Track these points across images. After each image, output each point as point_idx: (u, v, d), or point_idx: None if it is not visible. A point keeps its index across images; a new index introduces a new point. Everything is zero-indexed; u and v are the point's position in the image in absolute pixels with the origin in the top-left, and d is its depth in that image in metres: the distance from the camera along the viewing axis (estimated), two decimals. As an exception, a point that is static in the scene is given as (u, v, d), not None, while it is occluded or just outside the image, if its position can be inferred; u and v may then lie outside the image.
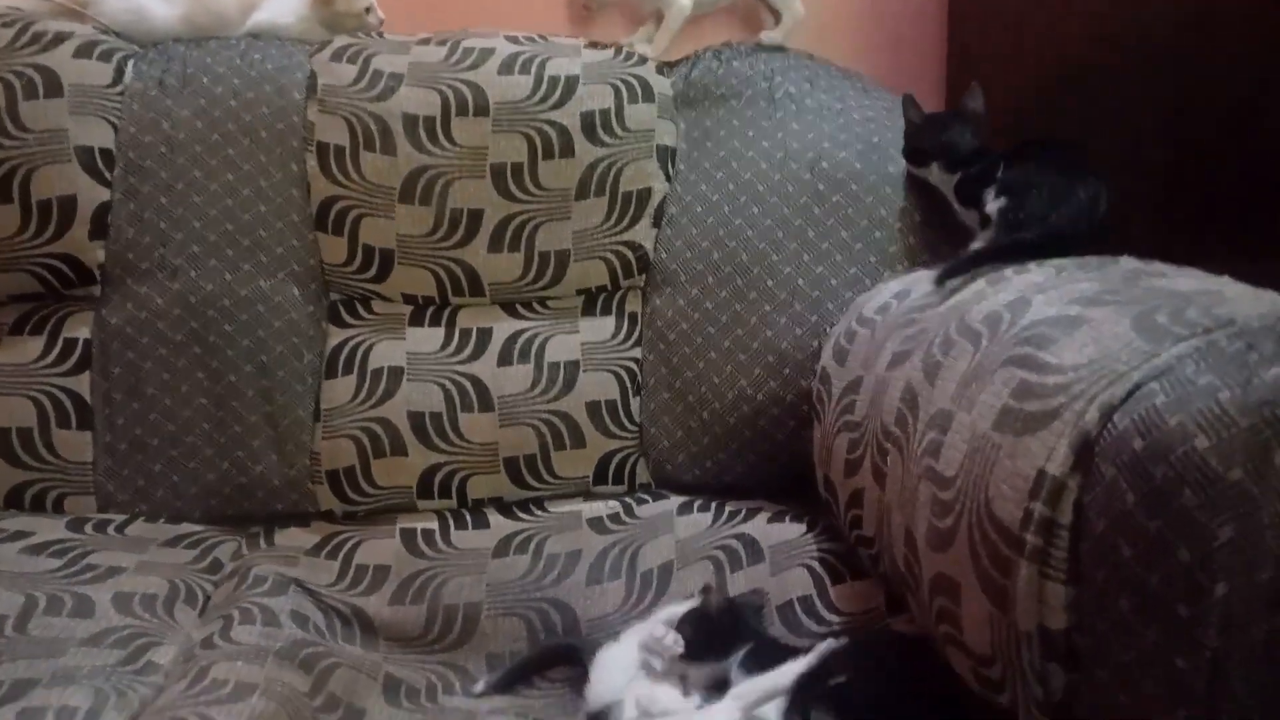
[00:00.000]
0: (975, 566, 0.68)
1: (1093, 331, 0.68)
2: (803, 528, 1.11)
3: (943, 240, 1.15)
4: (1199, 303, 0.67)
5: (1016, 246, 0.94)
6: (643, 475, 1.26)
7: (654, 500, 1.22)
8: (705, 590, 0.97)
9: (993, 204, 0.98)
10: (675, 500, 1.21)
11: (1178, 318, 0.65)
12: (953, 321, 0.84)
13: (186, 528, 1.18)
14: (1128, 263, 0.84)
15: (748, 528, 1.13)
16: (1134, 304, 0.70)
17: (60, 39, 1.22)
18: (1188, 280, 0.74)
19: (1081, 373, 0.65)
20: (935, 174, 1.12)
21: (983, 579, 0.67)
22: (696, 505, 1.20)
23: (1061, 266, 0.85)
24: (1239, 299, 0.67)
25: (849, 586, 1.00)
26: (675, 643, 0.88)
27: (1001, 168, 1.01)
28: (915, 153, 1.15)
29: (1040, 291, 0.79)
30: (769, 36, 1.39)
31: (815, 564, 1.05)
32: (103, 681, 0.86)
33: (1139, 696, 0.57)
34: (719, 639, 0.89)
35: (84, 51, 1.22)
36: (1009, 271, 0.90)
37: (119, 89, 1.23)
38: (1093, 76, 1.18)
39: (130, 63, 1.26)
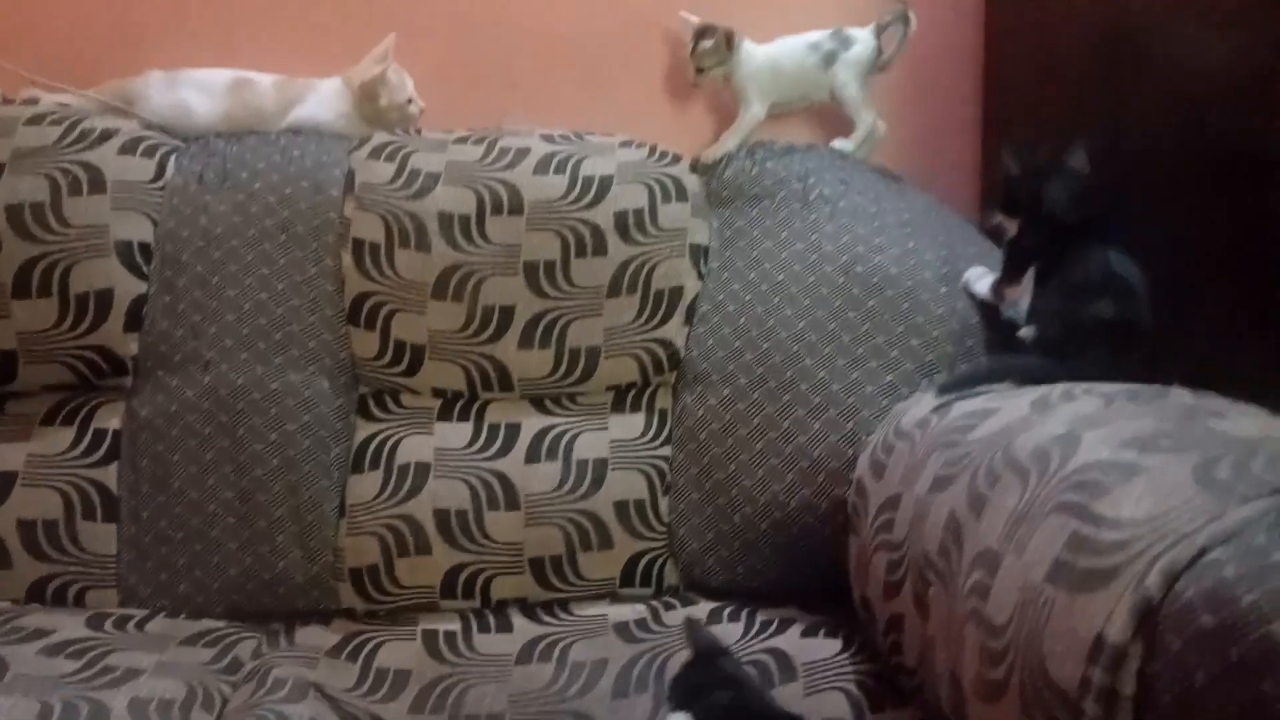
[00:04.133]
0: (1029, 727, 0.64)
1: (1150, 482, 0.65)
2: (839, 644, 1.07)
3: (984, 349, 1.13)
4: (1264, 453, 0.65)
5: (1030, 375, 0.93)
6: (671, 577, 1.23)
7: (683, 605, 1.19)
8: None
9: (1025, 328, 0.98)
10: (705, 606, 1.18)
11: (1242, 472, 0.63)
12: (998, 450, 0.82)
13: (207, 624, 1.17)
14: (1179, 396, 0.81)
15: (780, 641, 1.09)
16: (1193, 450, 0.67)
17: (106, 136, 1.24)
18: (1248, 423, 0.72)
19: (1140, 529, 0.62)
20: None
21: (1037, 742, 0.63)
22: (727, 613, 1.16)
23: (1110, 396, 0.83)
24: (1304, 451, 0.65)
25: (888, 716, 0.96)
26: None
27: (1034, 269, 1.01)
28: (1010, 202, 1.09)
29: (1090, 426, 0.77)
30: (841, 143, 1.38)
31: (853, 687, 1.00)
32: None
33: None
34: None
35: (128, 148, 1.25)
36: (1055, 396, 0.87)
37: (160, 184, 1.25)
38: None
39: (172, 158, 1.28)
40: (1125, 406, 0.80)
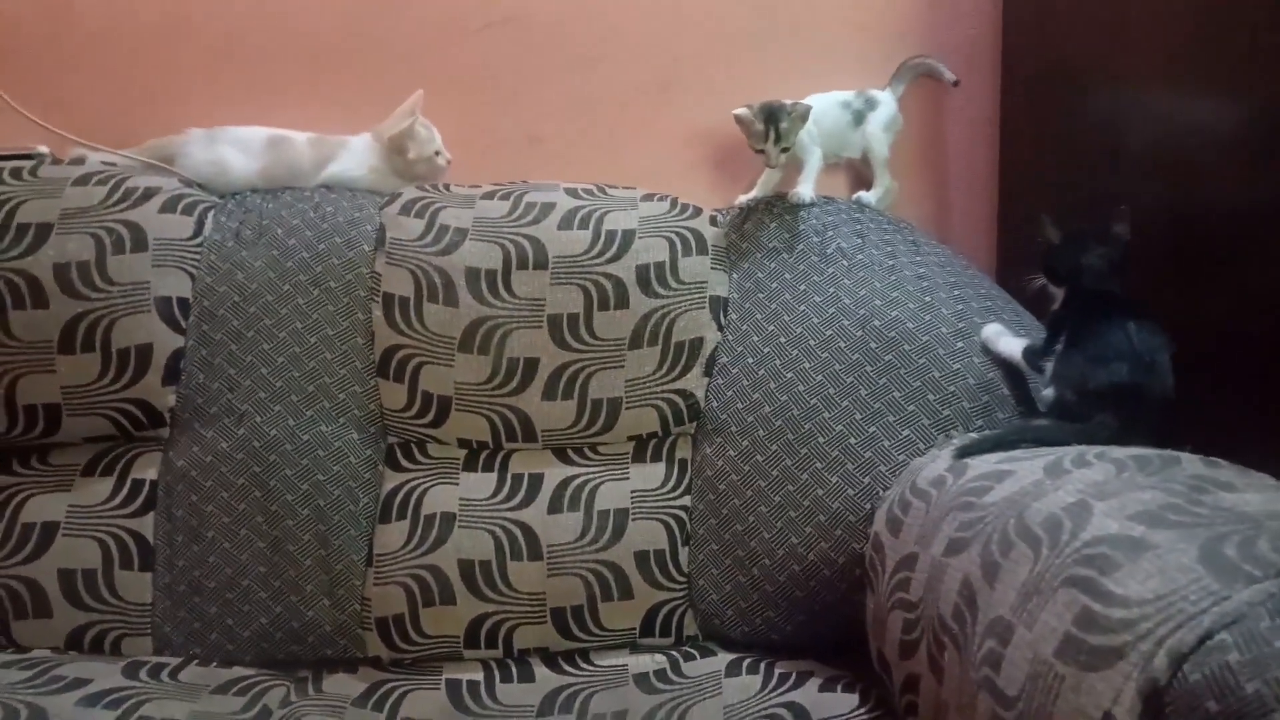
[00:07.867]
0: (1040, 803, 0.65)
1: (1158, 561, 0.66)
2: (855, 699, 1.08)
3: (1000, 406, 1.15)
4: (1269, 531, 0.66)
5: (1042, 439, 0.96)
6: (690, 627, 1.24)
7: (702, 656, 1.21)
8: None
9: (1046, 389, 0.98)
10: (724, 658, 1.20)
11: (1247, 552, 0.64)
12: (1011, 518, 0.83)
13: (238, 671, 1.19)
14: (1190, 464, 0.82)
15: (798, 695, 1.10)
16: (1200, 527, 0.68)
17: (149, 195, 1.29)
18: (1256, 497, 0.73)
19: (1147, 609, 0.63)
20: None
21: (1048, 819, 0.64)
22: (746, 665, 1.18)
23: (1122, 464, 0.84)
24: (1312, 528, 0.66)
25: (904, 775, 0.97)
26: None
27: (1063, 340, 1.02)
28: (1051, 272, 1.10)
29: (1100, 497, 0.78)
30: (865, 196, 1.41)
31: (868, 744, 1.02)
32: None
33: None
34: None
35: (169, 206, 1.30)
36: (1068, 460, 0.89)
37: (198, 241, 1.30)
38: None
39: (210, 215, 1.33)
40: (1135, 475, 0.81)
